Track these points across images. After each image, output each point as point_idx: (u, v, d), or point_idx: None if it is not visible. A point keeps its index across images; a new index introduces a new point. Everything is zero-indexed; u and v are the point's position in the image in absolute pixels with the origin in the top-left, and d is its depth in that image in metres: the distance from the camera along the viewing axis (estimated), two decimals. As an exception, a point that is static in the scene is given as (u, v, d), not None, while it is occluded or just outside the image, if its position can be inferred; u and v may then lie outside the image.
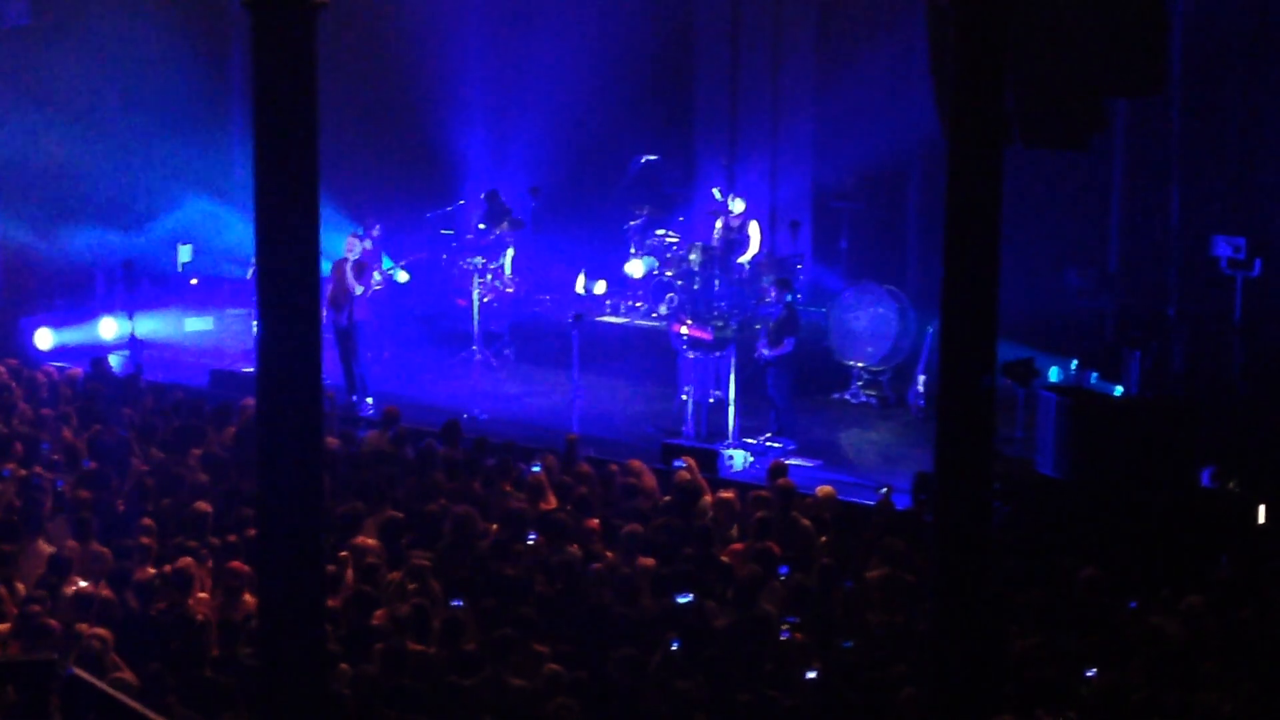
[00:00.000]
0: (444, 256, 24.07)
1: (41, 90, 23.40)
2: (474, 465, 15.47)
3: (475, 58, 25.57)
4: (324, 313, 19.34)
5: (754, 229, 22.77)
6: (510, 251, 23.16)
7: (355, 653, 11.26)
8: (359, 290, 19.60)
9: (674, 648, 11.20)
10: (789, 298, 18.77)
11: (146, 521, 13.74)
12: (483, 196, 24.45)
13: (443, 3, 25.35)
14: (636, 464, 15.61)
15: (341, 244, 19.72)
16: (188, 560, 12.55)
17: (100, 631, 11.28)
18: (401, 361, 21.48)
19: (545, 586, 12.60)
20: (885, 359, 20.58)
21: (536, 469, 15.22)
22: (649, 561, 13.10)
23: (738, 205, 22.75)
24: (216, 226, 24.66)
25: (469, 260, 22.04)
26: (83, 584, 12.46)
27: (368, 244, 20.25)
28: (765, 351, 18.43)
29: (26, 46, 23.40)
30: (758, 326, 18.75)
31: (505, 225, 23.39)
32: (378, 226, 21.48)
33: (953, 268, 8.65)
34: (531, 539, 13.59)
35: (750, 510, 14.37)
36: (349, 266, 19.61)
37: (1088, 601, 12.14)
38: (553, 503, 14.52)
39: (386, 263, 21.79)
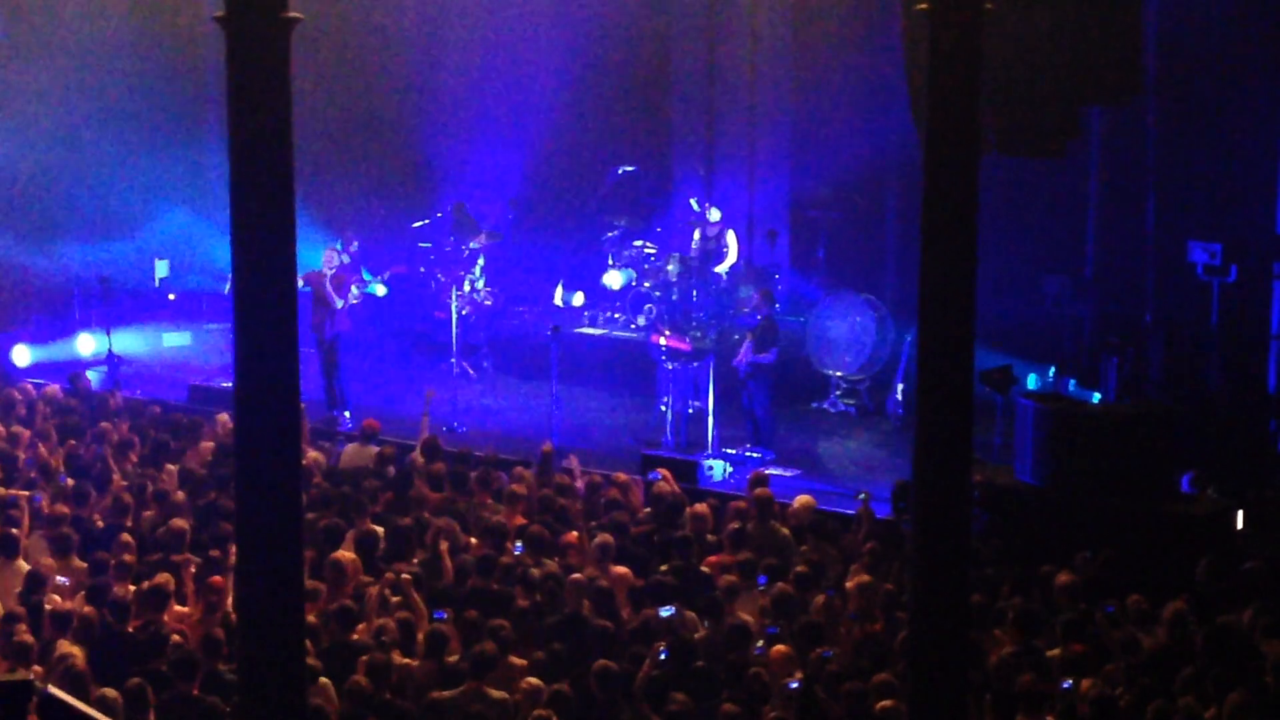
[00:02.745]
0: (421, 270, 24.04)
1: (16, 106, 23.33)
2: (456, 478, 15.43)
3: (452, 70, 25.52)
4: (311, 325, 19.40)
5: (731, 239, 22.77)
6: (480, 261, 23.09)
7: (336, 667, 11.23)
8: (339, 304, 19.62)
9: (663, 658, 11.19)
10: (768, 309, 18.78)
11: (125, 538, 13.69)
12: (451, 209, 24.41)
13: (419, 16, 25.34)
14: (623, 477, 15.58)
15: (318, 258, 19.69)
16: (164, 577, 12.50)
17: (77, 649, 11.22)
18: (380, 374, 21.44)
19: (525, 599, 12.57)
20: (863, 368, 20.59)
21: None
22: (626, 572, 13.09)
23: (715, 215, 22.74)
24: (193, 241, 24.60)
25: (442, 274, 21.99)
26: (61, 600, 12.40)
27: (345, 258, 20.23)
28: (750, 360, 18.39)
29: (0, 63, 23.35)
30: (736, 337, 18.71)
31: (483, 238, 23.34)
32: (355, 241, 21.44)
33: (930, 276, 8.65)
34: (519, 550, 13.56)
35: (729, 520, 14.37)
36: (327, 281, 19.62)
37: (1067, 608, 12.17)
38: (519, 520, 14.42)
39: (365, 276, 21.75)
